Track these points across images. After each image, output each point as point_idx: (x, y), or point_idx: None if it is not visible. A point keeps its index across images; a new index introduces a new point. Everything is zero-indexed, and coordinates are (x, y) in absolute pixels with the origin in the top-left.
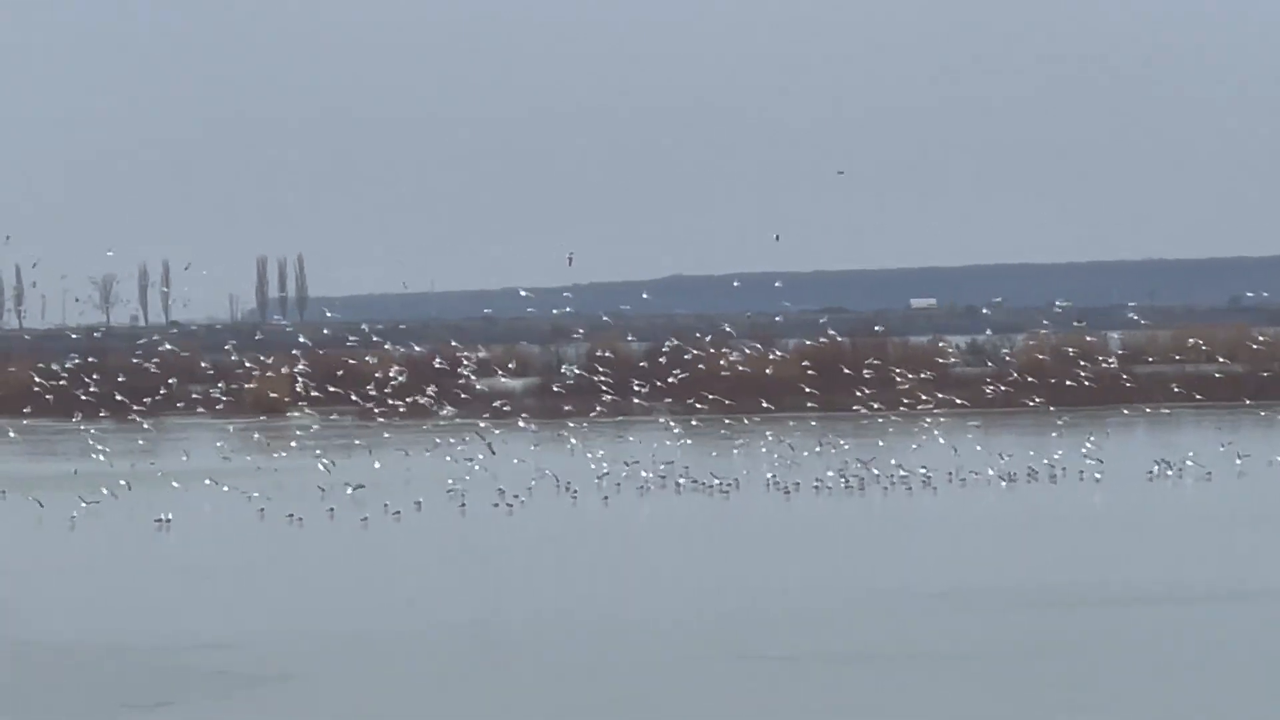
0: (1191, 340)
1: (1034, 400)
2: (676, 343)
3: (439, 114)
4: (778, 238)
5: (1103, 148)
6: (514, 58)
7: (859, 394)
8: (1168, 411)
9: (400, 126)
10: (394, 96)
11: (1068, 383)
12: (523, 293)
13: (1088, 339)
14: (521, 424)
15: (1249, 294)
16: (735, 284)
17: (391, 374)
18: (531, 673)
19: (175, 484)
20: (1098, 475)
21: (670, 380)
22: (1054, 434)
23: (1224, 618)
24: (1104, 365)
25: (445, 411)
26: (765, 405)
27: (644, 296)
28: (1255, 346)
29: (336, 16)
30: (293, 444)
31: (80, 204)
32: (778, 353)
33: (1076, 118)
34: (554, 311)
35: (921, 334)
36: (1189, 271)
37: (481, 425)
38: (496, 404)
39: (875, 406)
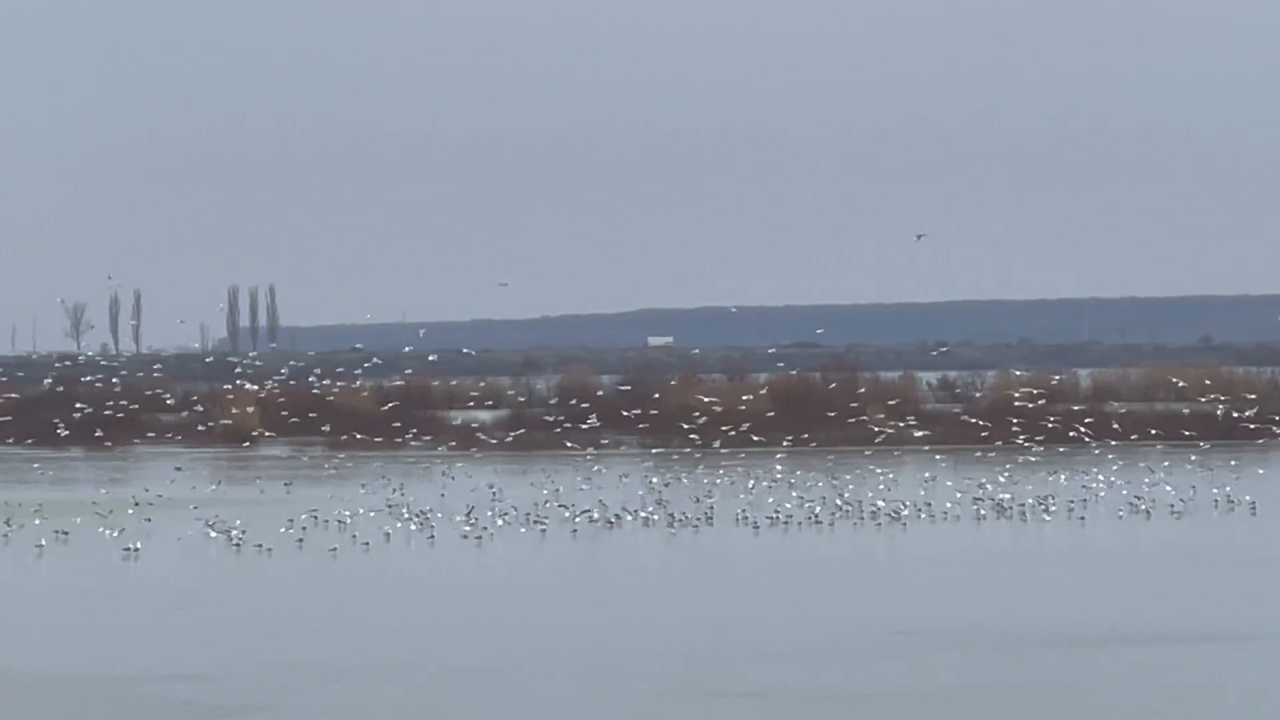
0: (1175, 379)
1: (1005, 436)
2: (647, 375)
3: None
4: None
5: (1076, 184)
6: (483, 89)
7: (830, 428)
8: (1139, 448)
9: (372, 158)
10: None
11: (1038, 420)
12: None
13: (1055, 379)
14: (491, 456)
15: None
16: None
17: (361, 405)
18: (501, 707)
19: (144, 513)
20: (1069, 512)
21: (640, 412)
22: (1025, 470)
23: (1197, 659)
24: (1073, 405)
25: (415, 443)
26: (735, 439)
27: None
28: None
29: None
30: (262, 474)
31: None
32: (749, 386)
33: (1050, 155)
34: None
35: (893, 369)
36: (1160, 310)
37: (451, 456)
38: (467, 435)
39: (846, 441)
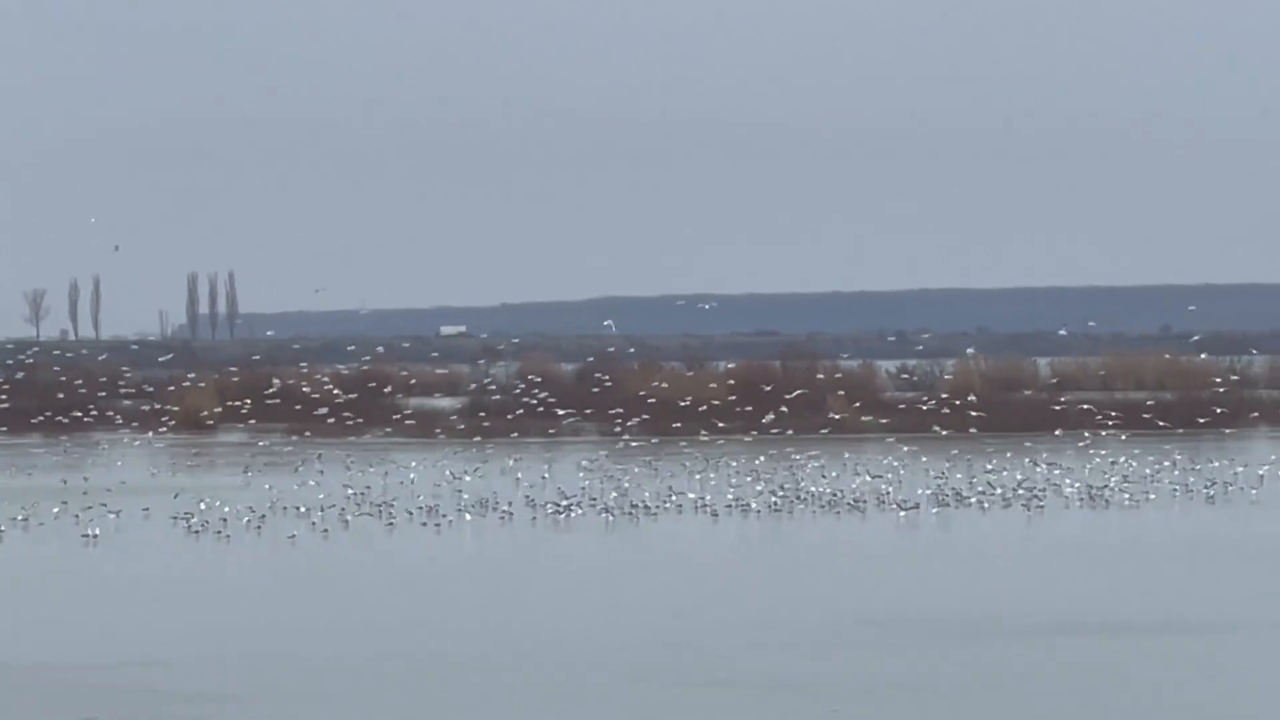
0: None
1: (964, 425)
2: (606, 363)
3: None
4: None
5: (1036, 173)
6: (444, 76)
7: (789, 416)
8: (1100, 436)
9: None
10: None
11: (999, 408)
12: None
13: (1016, 366)
14: (450, 443)
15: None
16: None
17: (321, 392)
18: (472, 697)
19: (103, 500)
20: (1029, 502)
21: (599, 400)
22: (985, 459)
23: (1157, 648)
24: (1035, 391)
25: (374, 430)
26: (695, 426)
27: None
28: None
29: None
30: (221, 461)
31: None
32: (708, 374)
33: (1011, 144)
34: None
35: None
36: (1121, 299)
37: (411, 444)
38: (426, 422)
39: (805, 429)
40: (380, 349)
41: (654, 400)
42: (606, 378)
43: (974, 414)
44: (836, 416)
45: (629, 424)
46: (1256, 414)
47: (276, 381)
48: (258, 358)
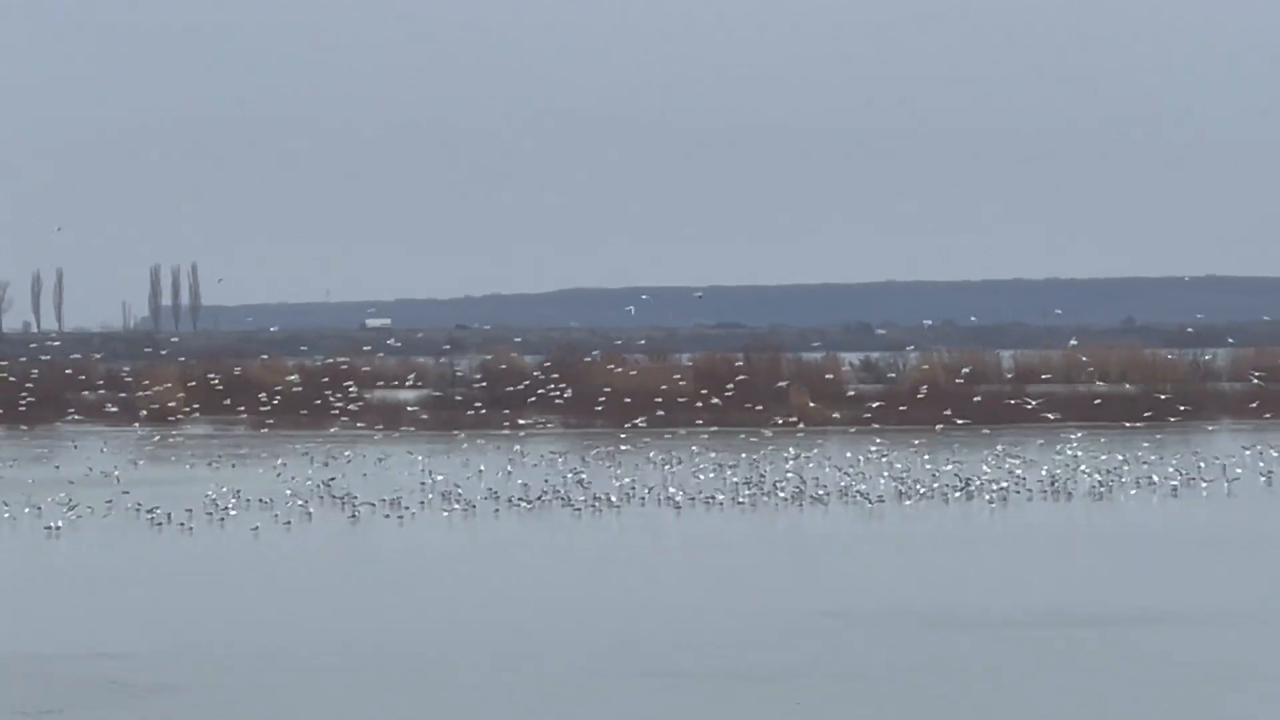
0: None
1: (927, 417)
2: (570, 355)
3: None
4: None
5: (1000, 166)
6: (406, 67)
7: (752, 408)
8: (1063, 428)
9: (296, 137)
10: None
11: (961, 401)
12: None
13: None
14: (414, 435)
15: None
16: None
17: (285, 384)
18: (429, 689)
19: (65, 492)
20: (991, 493)
21: (562, 392)
22: (947, 451)
23: (1118, 639)
24: (997, 384)
25: (338, 422)
26: (657, 419)
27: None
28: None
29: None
30: (185, 452)
31: None
32: (672, 367)
33: (972, 138)
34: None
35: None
36: (1084, 291)
37: (375, 435)
38: (390, 415)
39: (768, 421)
40: (304, 347)
41: (617, 392)
42: (571, 369)
43: (937, 406)
44: (799, 408)
45: (591, 416)
46: (1219, 406)
47: (239, 371)
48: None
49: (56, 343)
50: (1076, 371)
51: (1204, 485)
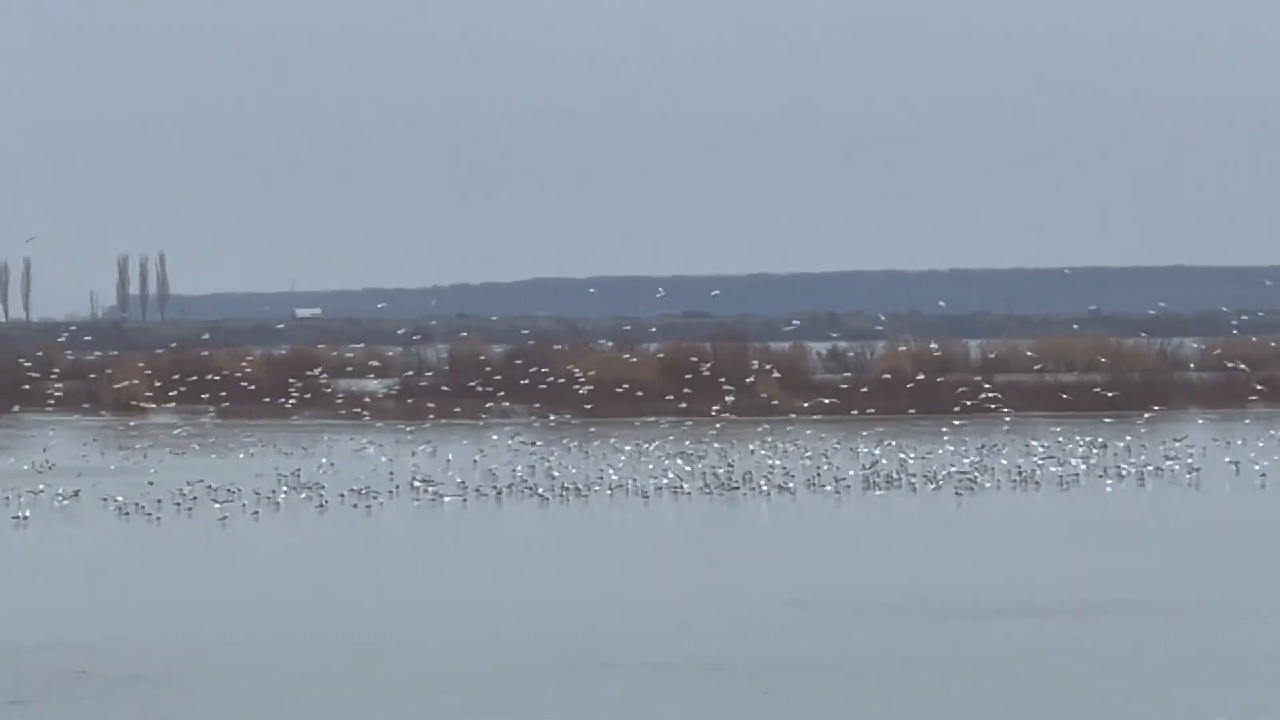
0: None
1: (893, 407)
2: (537, 345)
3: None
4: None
5: (965, 157)
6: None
7: (720, 398)
8: (1029, 418)
9: (262, 127)
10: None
11: (927, 391)
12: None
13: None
14: (382, 424)
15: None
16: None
17: (252, 373)
18: (400, 679)
19: (33, 482)
20: (958, 483)
21: (530, 382)
22: (914, 441)
23: (1089, 629)
24: (962, 374)
25: (305, 412)
26: (625, 408)
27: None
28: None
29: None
30: (152, 442)
31: None
32: (639, 357)
33: (936, 127)
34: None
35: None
36: (1049, 281)
37: (342, 424)
38: (357, 404)
39: (735, 410)
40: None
41: (585, 382)
42: (538, 358)
43: (903, 396)
44: (766, 398)
45: (559, 405)
46: (1186, 396)
47: (206, 355)
48: (208, 337)
49: (18, 333)
50: (1043, 361)
51: (1170, 475)
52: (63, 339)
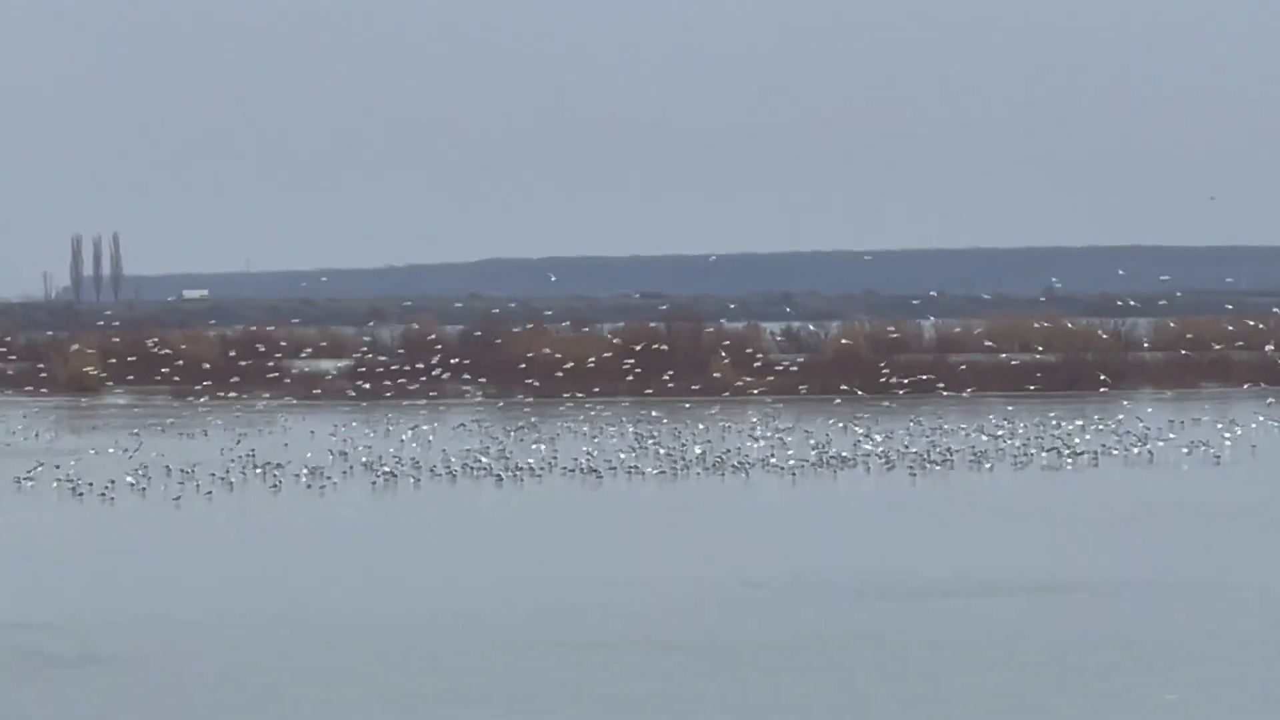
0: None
1: (850, 387)
2: (492, 325)
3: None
4: None
5: (920, 136)
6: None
7: (674, 378)
8: (983, 398)
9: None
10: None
11: (882, 370)
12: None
13: (890, 329)
14: (335, 405)
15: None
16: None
17: (206, 354)
18: (355, 660)
19: None
20: (913, 463)
21: (485, 362)
22: (869, 421)
23: (1039, 608)
24: (918, 353)
25: (259, 392)
26: (579, 388)
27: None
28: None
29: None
30: (106, 423)
31: None
32: (594, 337)
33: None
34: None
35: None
36: (1004, 261)
37: (295, 406)
38: (311, 385)
39: (690, 391)
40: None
41: (539, 362)
42: (492, 339)
43: (858, 376)
44: (721, 378)
45: (512, 386)
46: (1140, 375)
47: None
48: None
49: None
50: (998, 340)
51: (1125, 454)
52: (12, 320)
